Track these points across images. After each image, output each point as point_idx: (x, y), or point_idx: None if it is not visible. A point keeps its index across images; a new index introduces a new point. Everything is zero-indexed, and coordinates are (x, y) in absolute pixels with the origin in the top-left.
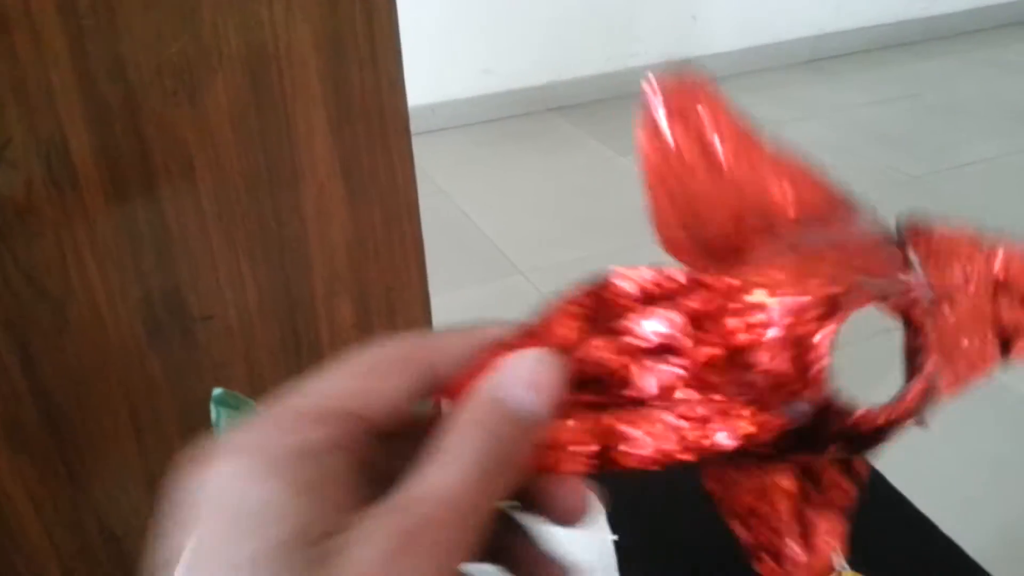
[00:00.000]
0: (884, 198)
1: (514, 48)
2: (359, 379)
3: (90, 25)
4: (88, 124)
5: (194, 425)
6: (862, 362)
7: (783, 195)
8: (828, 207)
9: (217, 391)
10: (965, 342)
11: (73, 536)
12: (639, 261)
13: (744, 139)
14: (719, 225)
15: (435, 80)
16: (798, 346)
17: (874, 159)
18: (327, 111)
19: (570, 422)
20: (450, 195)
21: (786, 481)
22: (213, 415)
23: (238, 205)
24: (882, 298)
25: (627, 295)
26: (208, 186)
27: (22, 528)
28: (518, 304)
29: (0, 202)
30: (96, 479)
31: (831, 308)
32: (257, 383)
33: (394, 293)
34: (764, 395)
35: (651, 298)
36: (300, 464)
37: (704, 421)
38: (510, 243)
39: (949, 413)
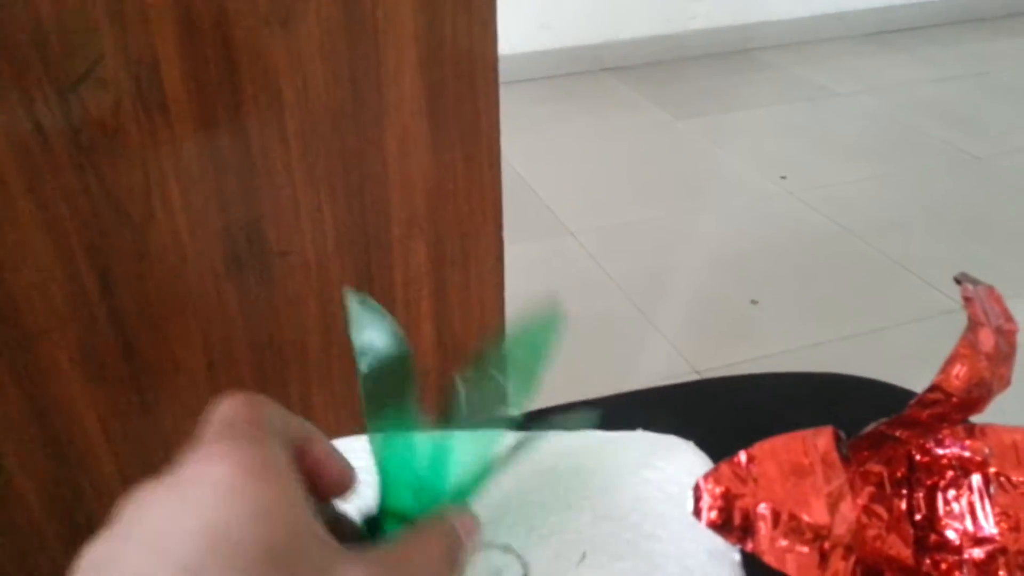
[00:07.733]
0: (945, 178)
1: (573, 4)
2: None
3: None
4: (180, 46)
5: (263, 361)
6: (923, 342)
7: None
8: None
9: (348, 289)
10: None
11: (141, 465)
12: (689, 227)
13: None
14: None
15: None
16: None
17: (936, 137)
18: (417, 48)
19: None
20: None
21: None
22: (349, 310)
23: (322, 139)
24: None
25: None
26: (294, 118)
27: (92, 454)
28: (566, 264)
29: (88, 121)
30: (166, 409)
31: None
32: (330, 321)
33: (469, 240)
34: None
35: None
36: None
37: None
38: (561, 203)
39: None
